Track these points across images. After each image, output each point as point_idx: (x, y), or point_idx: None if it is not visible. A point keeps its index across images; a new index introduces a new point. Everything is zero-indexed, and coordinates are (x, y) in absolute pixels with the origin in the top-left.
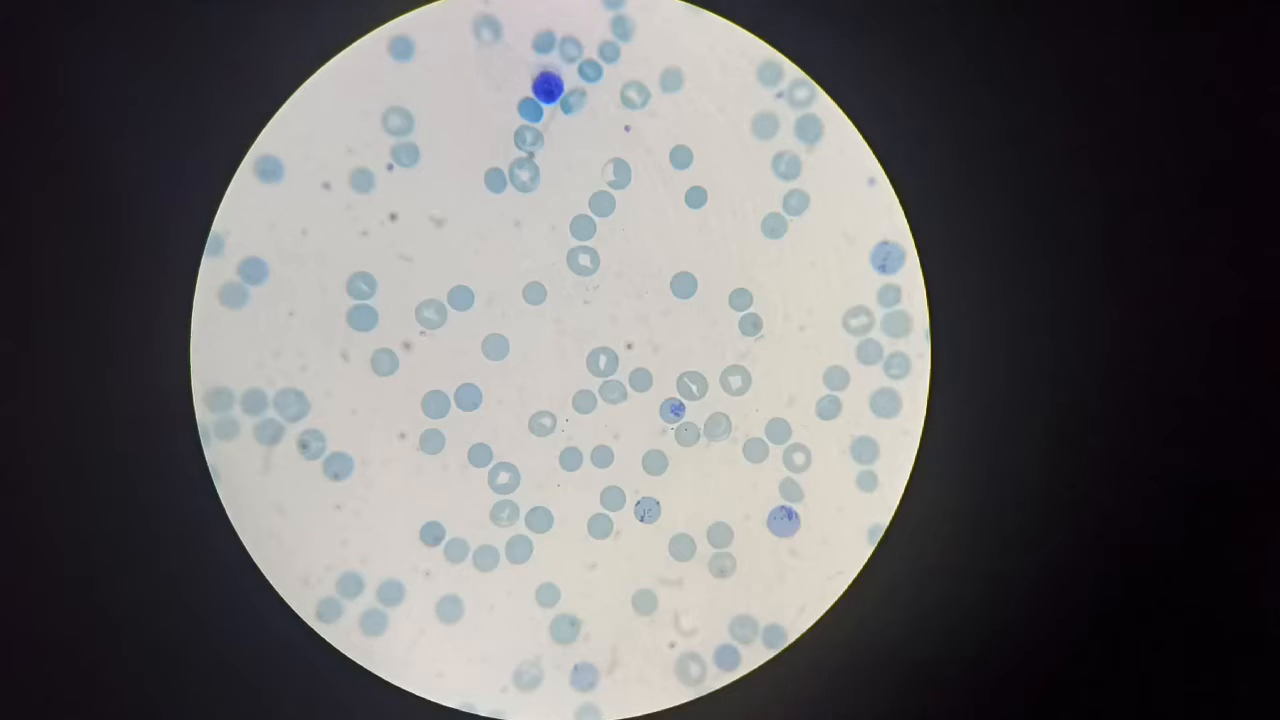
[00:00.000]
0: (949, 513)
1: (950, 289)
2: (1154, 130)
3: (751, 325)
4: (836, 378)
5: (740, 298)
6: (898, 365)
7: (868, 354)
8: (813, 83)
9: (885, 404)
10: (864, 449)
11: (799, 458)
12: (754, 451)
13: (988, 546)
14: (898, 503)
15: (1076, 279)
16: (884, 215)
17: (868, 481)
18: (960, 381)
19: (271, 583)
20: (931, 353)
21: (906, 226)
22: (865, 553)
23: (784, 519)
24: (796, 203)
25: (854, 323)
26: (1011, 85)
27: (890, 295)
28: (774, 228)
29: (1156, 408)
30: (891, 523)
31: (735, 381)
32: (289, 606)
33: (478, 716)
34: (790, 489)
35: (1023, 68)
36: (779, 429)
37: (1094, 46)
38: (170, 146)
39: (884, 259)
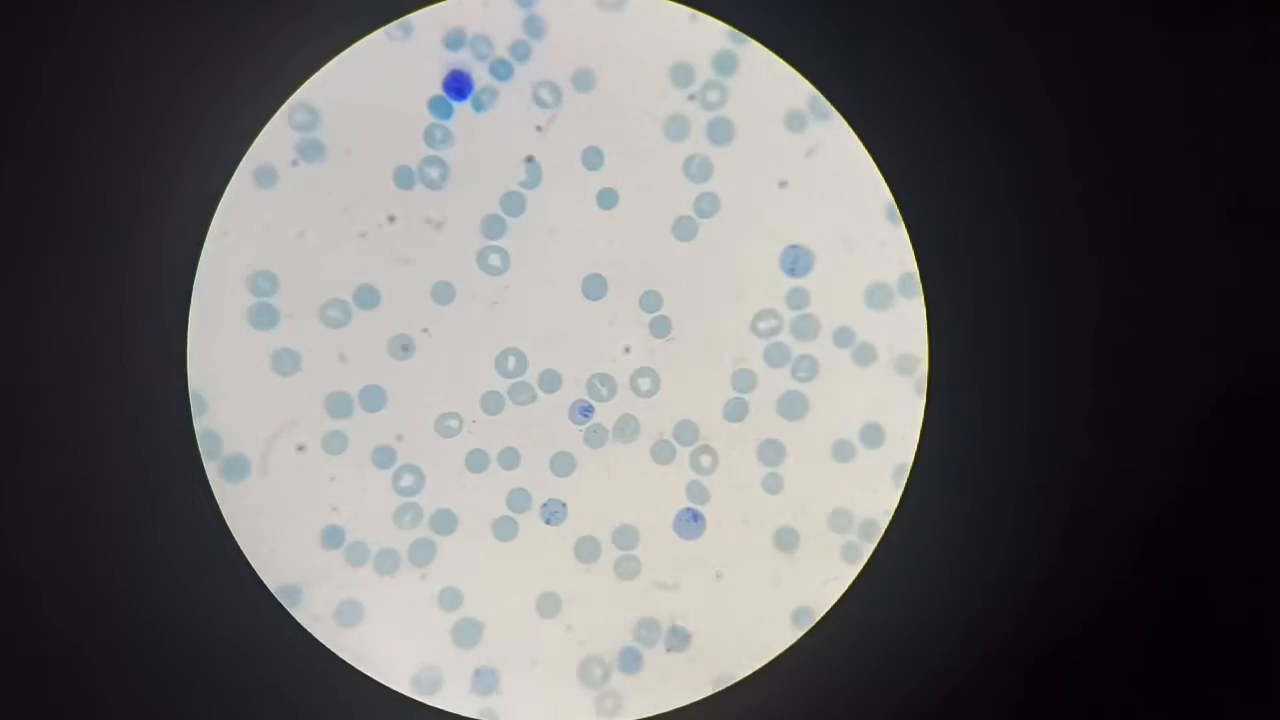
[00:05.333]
0: (946, 518)
1: (950, 294)
2: (1152, 137)
3: (662, 327)
4: (744, 380)
5: (650, 300)
6: (805, 368)
7: (775, 357)
8: (725, 85)
9: (790, 407)
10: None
11: (705, 459)
12: (662, 453)
13: (986, 552)
14: (896, 509)
15: (1078, 285)
16: (794, 219)
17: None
18: (959, 386)
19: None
20: (929, 356)
21: (816, 231)
22: (858, 565)
23: (689, 521)
24: (707, 205)
25: (762, 325)
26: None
27: (799, 298)
28: (685, 230)
29: (1154, 413)
30: (892, 526)
31: (644, 384)
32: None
33: None
34: (697, 491)
35: (996, 67)
36: (687, 431)
37: (1076, 48)
38: (168, 147)
39: (793, 262)
